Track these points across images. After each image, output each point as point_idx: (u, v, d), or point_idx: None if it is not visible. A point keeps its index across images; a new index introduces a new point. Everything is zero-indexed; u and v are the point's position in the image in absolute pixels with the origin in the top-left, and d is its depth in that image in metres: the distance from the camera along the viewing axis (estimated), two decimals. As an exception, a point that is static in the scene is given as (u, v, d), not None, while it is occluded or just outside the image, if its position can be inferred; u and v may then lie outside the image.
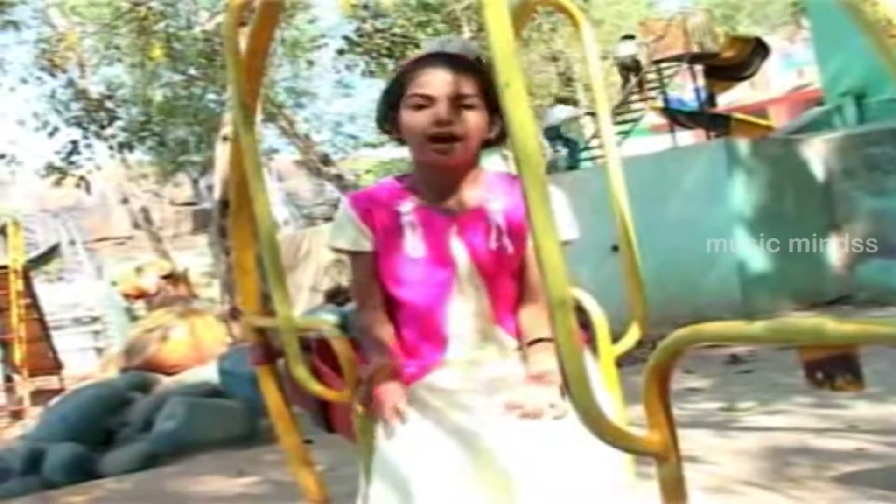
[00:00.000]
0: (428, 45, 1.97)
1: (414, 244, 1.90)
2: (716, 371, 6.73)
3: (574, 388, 1.11)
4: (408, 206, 1.93)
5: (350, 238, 1.95)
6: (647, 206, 8.73)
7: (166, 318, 9.44)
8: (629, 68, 16.57)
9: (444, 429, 1.74)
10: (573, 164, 14.33)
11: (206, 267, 20.26)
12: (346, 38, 18.61)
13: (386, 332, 1.91)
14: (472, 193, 1.94)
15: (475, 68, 1.89)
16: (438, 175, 1.92)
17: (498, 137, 1.95)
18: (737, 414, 5.26)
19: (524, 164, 1.14)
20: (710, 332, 1.10)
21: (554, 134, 14.95)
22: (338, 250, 2.00)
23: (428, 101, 1.85)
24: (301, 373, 1.84)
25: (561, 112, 15.43)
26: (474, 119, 1.86)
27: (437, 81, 1.85)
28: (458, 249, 1.90)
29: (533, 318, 1.89)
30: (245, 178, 1.98)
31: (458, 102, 1.85)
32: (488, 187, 1.95)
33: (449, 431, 1.72)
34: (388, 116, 1.95)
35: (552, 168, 13.37)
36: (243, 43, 2.00)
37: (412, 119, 1.87)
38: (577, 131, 17.42)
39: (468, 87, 1.85)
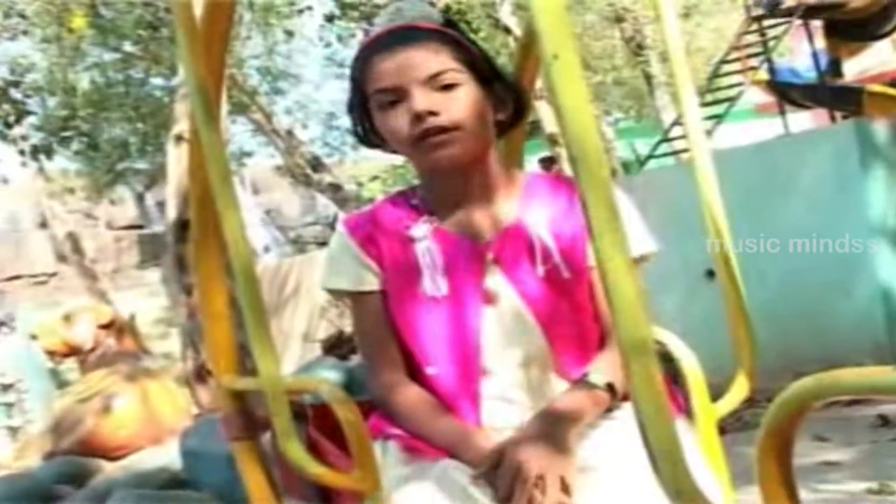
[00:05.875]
0: (376, 24, 1.99)
1: (434, 280, 1.92)
2: (860, 438, 6.66)
3: (663, 462, 1.11)
4: (422, 230, 1.95)
5: (349, 275, 1.98)
6: (751, 216, 8.70)
7: (107, 383, 9.46)
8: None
9: None
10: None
11: (159, 312, 20.35)
12: (335, -1, 18.67)
13: (418, 394, 1.92)
14: (503, 203, 1.95)
15: (443, 35, 1.90)
16: (450, 182, 1.94)
17: (513, 116, 1.97)
18: (892, 498, 5.21)
19: (581, 161, 1.14)
20: (847, 382, 1.09)
21: None
22: (335, 292, 2.01)
23: (396, 94, 1.87)
24: (294, 450, 1.85)
25: None
26: (464, 97, 1.87)
27: (399, 66, 1.86)
28: (498, 283, 1.91)
29: (595, 363, 1.90)
30: (209, 192, 2.00)
31: (435, 84, 1.86)
32: (524, 193, 1.97)
33: None
34: (366, 128, 1.97)
35: None
36: (199, 8, 2.01)
37: (386, 123, 1.90)
38: None
39: (441, 61, 1.87)
